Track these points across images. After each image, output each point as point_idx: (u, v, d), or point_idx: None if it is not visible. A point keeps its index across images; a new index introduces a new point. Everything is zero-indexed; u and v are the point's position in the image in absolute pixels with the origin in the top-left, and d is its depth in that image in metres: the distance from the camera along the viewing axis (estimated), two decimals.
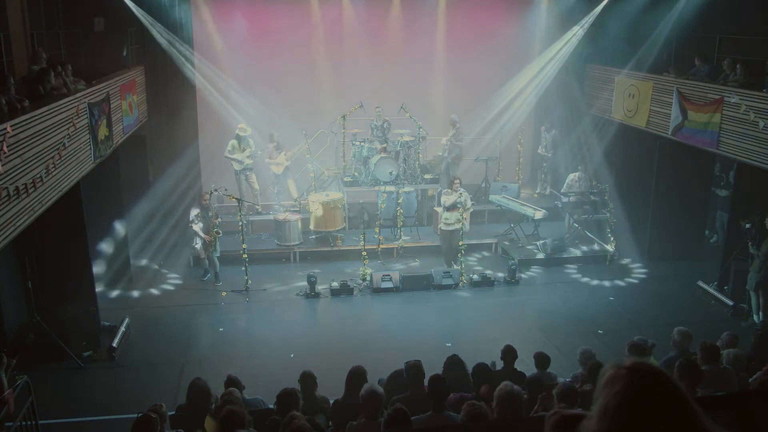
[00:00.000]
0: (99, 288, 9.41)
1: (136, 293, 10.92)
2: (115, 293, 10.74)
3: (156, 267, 11.93)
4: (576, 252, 12.56)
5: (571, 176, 13.16)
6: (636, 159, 12.91)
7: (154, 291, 11.09)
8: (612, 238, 12.54)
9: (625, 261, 12.39)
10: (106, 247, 10.69)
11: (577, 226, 12.86)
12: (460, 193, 11.31)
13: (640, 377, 1.45)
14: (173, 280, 11.50)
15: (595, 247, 12.73)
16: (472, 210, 11.82)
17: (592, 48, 13.99)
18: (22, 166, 6.66)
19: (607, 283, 11.51)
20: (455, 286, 11.14)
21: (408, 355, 5.91)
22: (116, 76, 10.78)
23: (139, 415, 4.83)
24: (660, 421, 1.41)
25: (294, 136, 13.33)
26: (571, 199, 12.74)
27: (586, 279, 11.70)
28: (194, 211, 11.10)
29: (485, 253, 12.74)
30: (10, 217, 6.35)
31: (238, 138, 12.65)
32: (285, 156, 13.17)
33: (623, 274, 11.94)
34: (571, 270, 12.04)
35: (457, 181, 11.52)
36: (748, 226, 9.95)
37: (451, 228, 11.42)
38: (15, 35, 9.34)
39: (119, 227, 10.92)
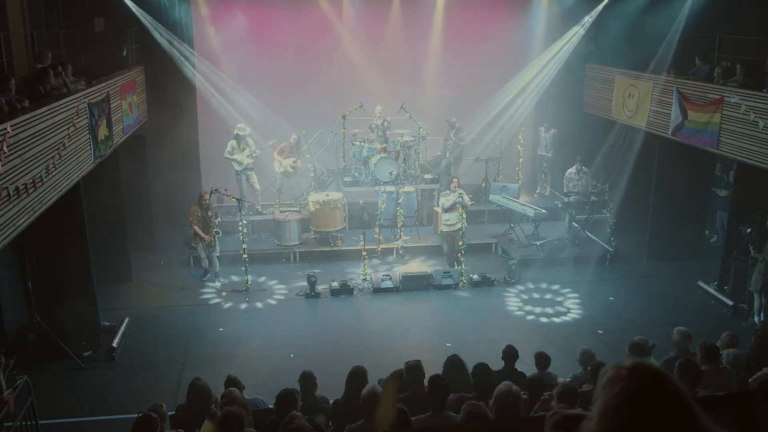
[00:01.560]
0: (99, 288, 9.40)
1: (136, 293, 10.92)
2: (115, 293, 10.74)
3: (156, 267, 11.92)
4: (576, 252, 12.54)
5: (569, 171, 13.18)
6: (636, 159, 12.91)
7: (154, 291, 11.09)
8: (612, 238, 12.53)
9: (625, 261, 12.39)
10: (106, 247, 10.68)
11: (576, 225, 12.85)
12: (459, 194, 11.30)
13: (640, 378, 1.45)
14: (174, 279, 11.50)
15: (595, 247, 12.71)
16: (468, 207, 11.68)
17: (592, 48, 13.98)
18: (22, 166, 6.66)
19: (606, 283, 11.50)
20: (455, 286, 11.14)
21: (408, 355, 5.91)
22: (116, 76, 10.78)
23: (139, 415, 4.83)
24: (660, 421, 1.41)
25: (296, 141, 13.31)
26: (571, 199, 12.74)
27: (586, 279, 11.68)
28: (194, 211, 11.10)
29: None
30: (10, 217, 6.34)
31: (237, 138, 12.64)
32: (292, 162, 13.12)
33: (623, 274, 11.93)
34: (571, 270, 12.02)
35: (455, 180, 11.51)
36: (748, 230, 9.93)
37: (453, 228, 11.41)
38: (15, 35, 9.34)
39: (119, 227, 10.92)
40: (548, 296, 11.02)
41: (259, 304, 10.60)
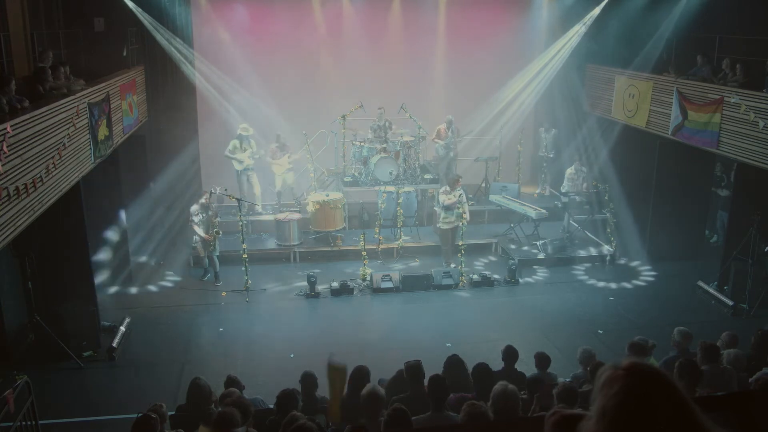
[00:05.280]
0: (99, 288, 9.40)
1: (135, 293, 10.93)
2: (115, 293, 10.74)
3: (156, 267, 11.93)
4: (576, 252, 12.54)
5: (568, 171, 13.17)
6: (636, 159, 12.90)
7: (154, 290, 11.09)
8: (612, 238, 12.53)
9: (625, 261, 12.40)
10: (105, 246, 10.69)
11: (576, 225, 12.85)
12: (460, 194, 11.29)
13: (638, 378, 1.45)
14: (173, 279, 11.50)
15: (595, 247, 12.71)
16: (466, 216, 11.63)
17: (593, 48, 13.97)
18: (22, 166, 6.66)
19: (606, 283, 11.49)
20: (455, 286, 11.13)
21: (408, 355, 5.91)
22: (116, 76, 10.77)
23: (139, 415, 4.83)
24: (659, 421, 1.41)
25: (294, 136, 13.33)
26: (571, 198, 12.74)
27: (586, 279, 11.68)
28: (194, 210, 11.11)
29: (491, 258, 12.67)
30: (10, 217, 6.34)
31: (240, 138, 12.64)
32: (288, 159, 13.13)
33: (623, 274, 11.93)
34: (571, 270, 12.01)
35: (459, 180, 11.50)
36: (767, 249, 9.81)
37: (451, 226, 11.39)
38: (15, 35, 9.34)
39: (119, 227, 10.92)
40: (548, 296, 11.02)
41: (259, 304, 10.59)
